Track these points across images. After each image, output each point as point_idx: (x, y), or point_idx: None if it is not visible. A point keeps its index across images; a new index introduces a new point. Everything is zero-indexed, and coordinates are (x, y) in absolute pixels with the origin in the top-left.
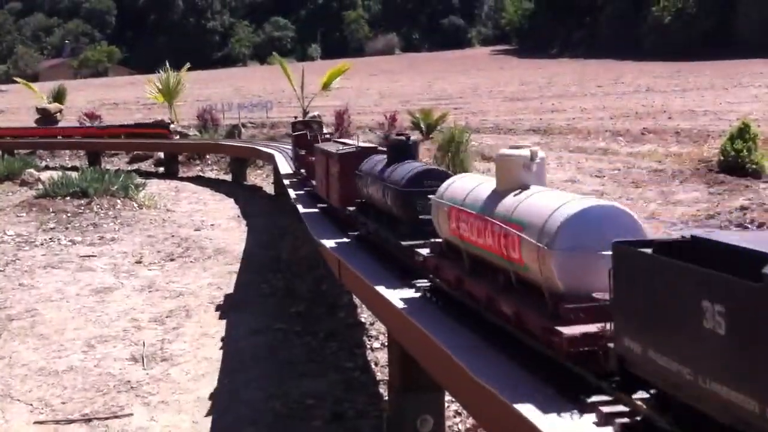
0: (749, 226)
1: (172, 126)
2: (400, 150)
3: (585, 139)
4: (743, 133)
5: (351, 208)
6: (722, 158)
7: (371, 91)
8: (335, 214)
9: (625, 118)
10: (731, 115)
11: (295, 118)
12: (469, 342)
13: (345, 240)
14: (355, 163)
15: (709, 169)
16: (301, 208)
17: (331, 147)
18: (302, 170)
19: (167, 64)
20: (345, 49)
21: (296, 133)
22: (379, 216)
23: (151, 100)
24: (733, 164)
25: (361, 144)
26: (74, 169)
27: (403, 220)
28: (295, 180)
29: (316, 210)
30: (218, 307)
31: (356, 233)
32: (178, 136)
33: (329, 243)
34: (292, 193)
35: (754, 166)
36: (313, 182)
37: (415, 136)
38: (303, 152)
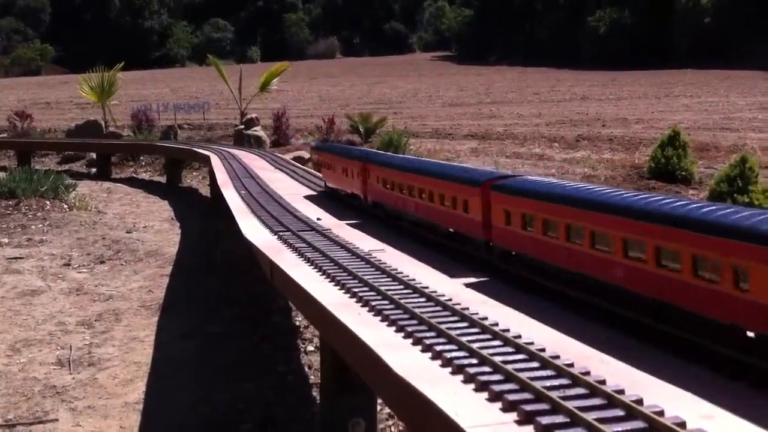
0: None
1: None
2: None
3: (521, 144)
4: (673, 140)
5: None
6: (653, 165)
7: (311, 95)
8: None
9: (561, 124)
10: (662, 123)
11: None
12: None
13: None
14: None
15: (640, 175)
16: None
17: None
18: None
19: (101, 63)
20: (285, 51)
21: None
22: None
23: (85, 99)
24: (664, 170)
25: None
26: (2, 169)
27: None
28: None
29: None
30: (149, 311)
31: None
32: None
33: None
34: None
35: (683, 173)
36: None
37: (354, 139)
38: None
